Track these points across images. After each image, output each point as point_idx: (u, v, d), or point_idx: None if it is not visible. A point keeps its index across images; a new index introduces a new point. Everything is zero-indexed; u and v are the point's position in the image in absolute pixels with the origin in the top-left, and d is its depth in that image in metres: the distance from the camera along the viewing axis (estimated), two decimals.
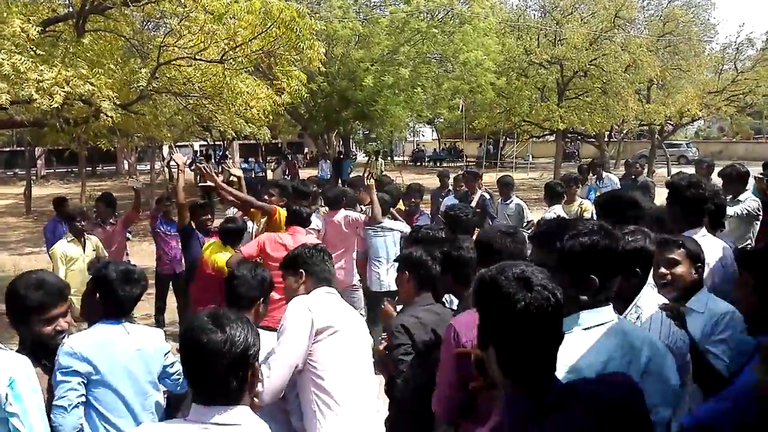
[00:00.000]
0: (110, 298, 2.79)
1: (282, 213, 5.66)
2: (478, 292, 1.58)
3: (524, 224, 7.60)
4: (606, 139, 28.78)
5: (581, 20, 21.96)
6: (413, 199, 7.59)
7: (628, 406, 1.54)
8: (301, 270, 3.02)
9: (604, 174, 10.20)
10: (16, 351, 2.43)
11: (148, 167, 24.30)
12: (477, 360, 1.64)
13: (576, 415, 1.50)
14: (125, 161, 30.62)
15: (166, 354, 2.99)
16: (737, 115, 29.20)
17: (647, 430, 1.60)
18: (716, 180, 6.30)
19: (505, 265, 1.58)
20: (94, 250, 6.40)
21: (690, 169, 11.77)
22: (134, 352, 2.80)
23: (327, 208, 6.69)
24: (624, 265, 2.08)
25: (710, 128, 50.43)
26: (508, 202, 8.00)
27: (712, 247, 3.13)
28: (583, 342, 1.84)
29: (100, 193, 8.33)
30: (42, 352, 2.58)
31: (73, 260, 6.06)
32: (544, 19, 22.88)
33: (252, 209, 6.07)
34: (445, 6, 17.45)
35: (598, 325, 1.87)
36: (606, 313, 1.90)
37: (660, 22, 25.39)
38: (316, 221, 6.04)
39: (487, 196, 8.21)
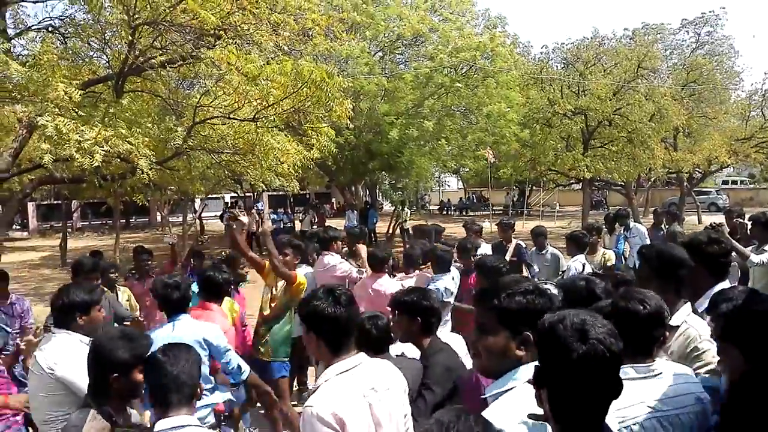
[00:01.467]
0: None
1: (303, 281, 5.43)
2: (539, 336, 1.67)
3: (560, 273, 7.60)
4: (634, 187, 28.58)
5: (604, 71, 22.20)
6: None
7: None
8: (311, 332, 2.45)
9: (632, 224, 10.15)
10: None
11: (181, 219, 24.81)
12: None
13: None
14: (158, 213, 31.31)
15: None
16: (766, 162, 28.87)
17: None
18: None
19: (566, 313, 1.65)
20: (127, 301, 6.55)
21: (721, 217, 11.67)
22: None
23: (369, 269, 5.94)
24: None
25: (740, 175, 49.73)
26: (543, 252, 7.97)
27: None
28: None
29: (134, 245, 8.55)
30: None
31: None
32: (567, 71, 23.18)
33: (263, 271, 5.73)
34: (468, 61, 17.86)
35: None
36: None
37: (684, 71, 25.55)
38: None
39: (523, 245, 8.22)
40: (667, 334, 2.35)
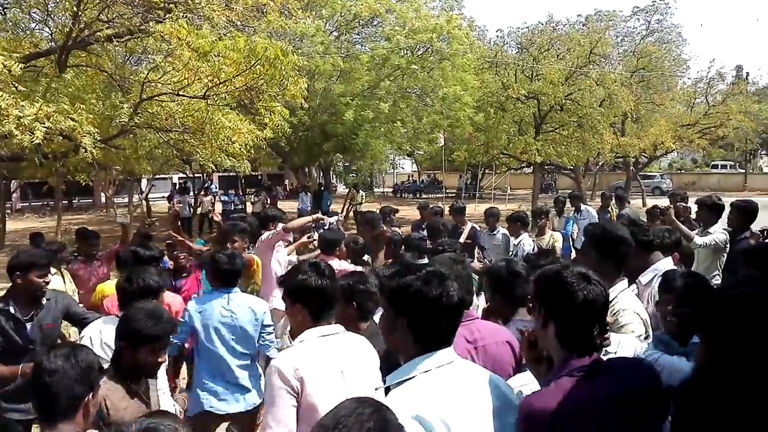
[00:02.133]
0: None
1: (258, 261, 5.47)
2: (544, 285, 2.00)
3: (510, 253, 7.74)
4: (582, 171, 29.27)
5: (557, 56, 22.51)
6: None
7: (648, 384, 1.95)
8: (297, 303, 2.53)
9: (583, 206, 10.41)
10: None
11: (126, 200, 24.07)
12: (529, 339, 2.09)
13: (616, 378, 1.91)
14: (102, 194, 30.28)
15: None
16: (709, 147, 30.01)
17: (663, 404, 1.96)
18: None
19: (565, 263, 2.09)
20: (70, 283, 6.27)
21: (664, 201, 12.08)
22: None
23: (318, 251, 5.89)
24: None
25: (683, 160, 51.61)
26: (495, 232, 8.12)
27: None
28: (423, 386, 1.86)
29: (76, 228, 8.15)
30: (135, 376, 2.79)
31: None
32: (521, 56, 23.41)
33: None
34: (424, 43, 17.77)
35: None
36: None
37: (634, 57, 26.17)
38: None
39: (477, 228, 8.31)
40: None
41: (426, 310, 1.91)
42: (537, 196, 23.81)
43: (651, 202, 20.00)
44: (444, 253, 3.72)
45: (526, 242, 7.51)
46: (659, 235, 4.33)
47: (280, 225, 5.82)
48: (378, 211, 7.95)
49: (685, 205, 7.77)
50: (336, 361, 2.43)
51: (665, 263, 3.98)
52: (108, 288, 5.05)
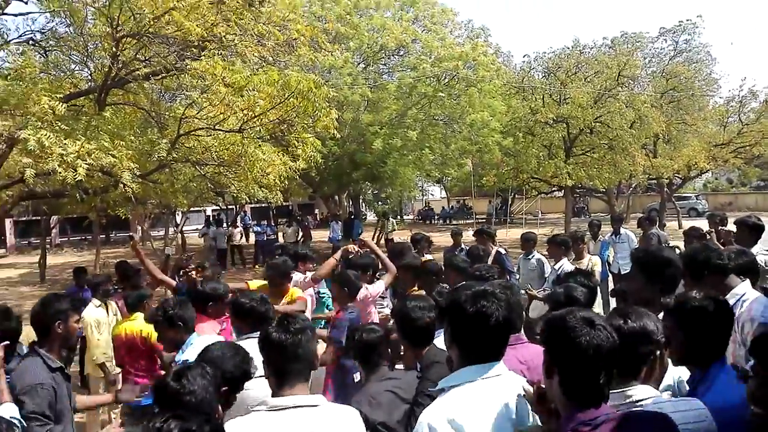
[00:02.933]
0: None
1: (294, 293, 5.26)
2: (548, 330, 1.87)
3: (545, 278, 7.65)
4: (615, 194, 28.89)
5: (585, 79, 22.46)
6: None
7: None
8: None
9: (622, 229, 10.20)
10: None
11: (162, 233, 24.53)
12: (539, 391, 1.92)
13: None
14: (139, 228, 30.94)
15: None
16: (745, 167, 29.37)
17: None
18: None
19: (572, 309, 1.91)
20: (114, 315, 6.39)
21: (701, 222, 11.74)
22: None
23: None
24: None
25: (718, 180, 50.57)
26: (529, 257, 8.05)
27: None
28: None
29: (115, 260, 8.32)
30: None
31: (102, 325, 6.07)
32: (549, 80, 23.42)
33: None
34: (450, 71, 17.95)
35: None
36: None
37: (662, 78, 25.94)
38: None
39: (503, 251, 8.24)
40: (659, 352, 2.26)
41: (467, 325, 2.03)
42: (569, 220, 23.55)
43: (687, 223, 19.62)
44: (493, 280, 3.76)
45: (566, 267, 7.25)
46: (731, 257, 4.02)
47: (309, 274, 5.75)
48: (409, 240, 7.96)
49: (726, 229, 7.52)
50: None
51: (744, 287, 3.50)
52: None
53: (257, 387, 2.64)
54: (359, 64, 19.43)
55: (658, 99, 23.85)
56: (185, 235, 27.16)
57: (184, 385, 2.18)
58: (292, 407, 2.13)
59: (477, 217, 35.71)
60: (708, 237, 5.93)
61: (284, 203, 30.55)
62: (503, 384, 2.01)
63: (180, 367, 2.39)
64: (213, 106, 7.37)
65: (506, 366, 2.09)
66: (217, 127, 7.41)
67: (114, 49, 8.02)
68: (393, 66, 20.36)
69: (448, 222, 37.70)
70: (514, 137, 20.84)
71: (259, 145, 8.33)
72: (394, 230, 22.32)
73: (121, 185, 7.48)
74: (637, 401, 2.10)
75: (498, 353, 2.06)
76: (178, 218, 24.64)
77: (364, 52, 19.27)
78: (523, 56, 40.69)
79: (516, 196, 33.77)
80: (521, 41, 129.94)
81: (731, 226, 6.99)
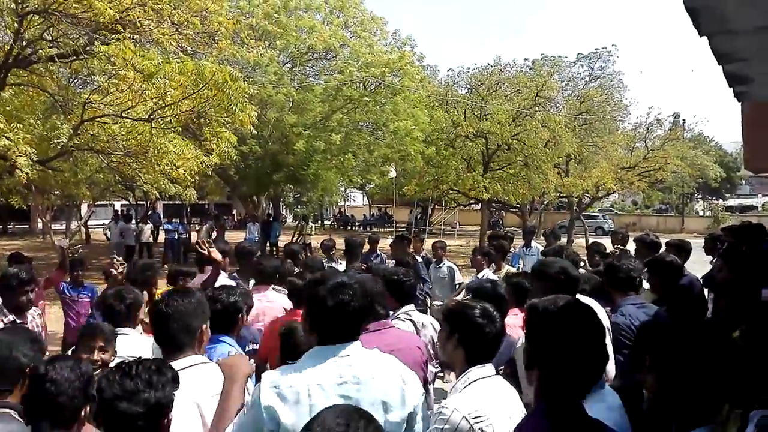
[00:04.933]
0: None
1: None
2: (531, 318, 1.91)
3: (456, 285, 7.81)
4: (528, 210, 29.93)
5: (505, 97, 23.17)
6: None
7: None
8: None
9: (532, 242, 10.54)
10: None
11: (64, 226, 23.15)
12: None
13: None
14: (39, 220, 29.08)
15: None
16: (648, 190, 31.22)
17: None
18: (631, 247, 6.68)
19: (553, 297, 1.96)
20: None
21: (606, 240, 12.34)
22: None
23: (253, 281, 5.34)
24: None
25: (624, 201, 53.55)
26: (440, 265, 8.16)
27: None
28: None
29: (10, 253, 7.67)
30: None
31: None
32: (471, 95, 24.00)
33: None
34: (377, 77, 18.02)
35: None
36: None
37: (577, 101, 27.20)
38: None
39: (420, 260, 8.31)
40: None
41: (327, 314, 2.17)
42: (485, 233, 24.14)
43: (593, 239, 20.59)
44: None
45: (489, 276, 7.43)
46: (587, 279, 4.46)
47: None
48: (320, 245, 7.91)
49: (621, 247, 7.91)
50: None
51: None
52: None
53: None
54: (285, 63, 19.16)
55: (572, 121, 24.94)
56: (90, 230, 25.78)
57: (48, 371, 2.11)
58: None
59: (397, 225, 36.05)
60: (612, 254, 6.22)
61: (199, 201, 29.72)
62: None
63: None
64: (121, 93, 7.00)
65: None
66: (124, 115, 7.03)
67: (17, 26, 7.48)
68: (320, 69, 20.18)
69: (368, 229, 37.79)
70: (436, 147, 21.17)
71: (171, 138, 7.99)
72: (311, 234, 22.12)
73: (18, 171, 6.97)
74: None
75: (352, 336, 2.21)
76: (83, 212, 23.36)
77: (291, 53, 19.02)
78: (448, 70, 41.60)
79: (435, 206, 34.34)
80: (447, 56, 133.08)
81: (631, 244, 7.41)
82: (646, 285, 5.38)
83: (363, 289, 2.23)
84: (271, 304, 4.76)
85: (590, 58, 29.84)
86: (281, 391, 2.04)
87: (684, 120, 36.30)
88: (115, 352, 3.09)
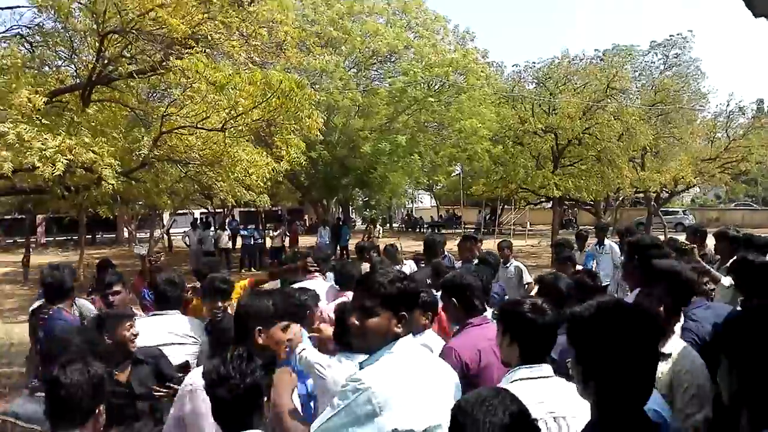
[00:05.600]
0: None
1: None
2: (576, 327, 1.74)
3: (524, 285, 7.72)
4: (603, 207, 29.01)
5: (574, 91, 22.56)
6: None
7: None
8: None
9: (606, 241, 10.17)
10: None
11: (148, 235, 24.35)
12: None
13: None
14: (125, 229, 30.74)
15: None
16: (732, 182, 29.56)
17: None
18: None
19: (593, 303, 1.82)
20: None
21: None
22: None
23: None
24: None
25: (706, 195, 50.93)
26: (507, 265, 8.06)
27: None
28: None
29: (98, 260, 8.17)
30: None
31: None
32: (538, 89, 23.53)
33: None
34: (441, 77, 18.00)
35: None
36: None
37: (652, 92, 26.10)
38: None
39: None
40: None
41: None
42: (557, 232, 23.59)
43: (670, 237, 19.71)
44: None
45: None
46: None
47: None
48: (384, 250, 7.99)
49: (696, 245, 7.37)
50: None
51: None
52: None
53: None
54: (351, 68, 19.47)
55: (646, 112, 23.98)
56: (172, 237, 27.01)
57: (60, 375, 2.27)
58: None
59: (466, 226, 35.78)
60: (692, 253, 5.85)
61: (273, 207, 30.54)
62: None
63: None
64: (195, 104, 7.33)
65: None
66: (199, 126, 7.37)
67: (99, 45, 7.98)
68: (385, 71, 20.38)
69: (436, 230, 37.71)
70: (503, 145, 20.89)
71: (243, 146, 8.29)
72: (379, 237, 22.30)
73: (104, 182, 7.41)
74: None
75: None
76: (165, 220, 24.51)
77: (356, 57, 19.30)
78: (513, 65, 40.93)
79: (505, 206, 33.84)
80: (514, 52, 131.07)
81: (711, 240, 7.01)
82: (726, 281, 5.11)
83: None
84: None
85: (665, 46, 28.47)
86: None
87: None
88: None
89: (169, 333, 4.03)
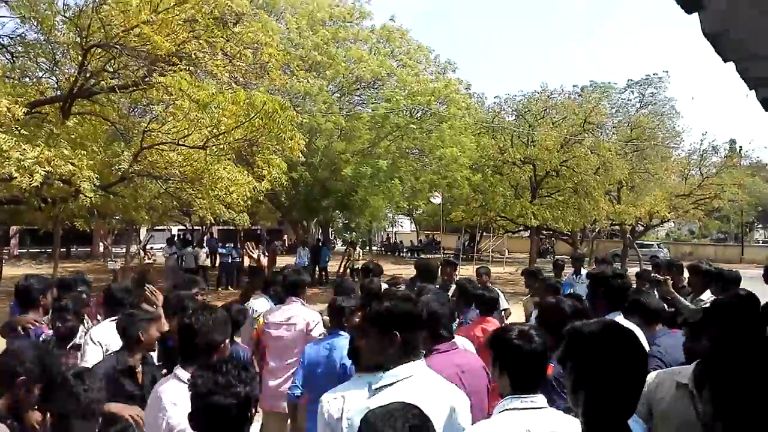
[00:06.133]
0: None
1: None
2: (571, 341, 1.86)
3: (501, 312, 7.78)
4: (579, 237, 29.39)
5: (553, 124, 23.02)
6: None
7: None
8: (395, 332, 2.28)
9: (582, 269, 10.36)
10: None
11: (124, 250, 24.09)
12: None
13: None
14: (101, 243, 30.36)
15: None
16: (705, 219, 30.17)
17: None
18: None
19: (590, 321, 1.93)
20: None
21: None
22: None
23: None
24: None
25: (680, 230, 51.83)
26: None
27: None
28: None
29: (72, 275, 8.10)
30: None
31: None
32: (518, 121, 23.95)
33: None
34: (423, 105, 18.28)
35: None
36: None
37: (628, 128, 26.72)
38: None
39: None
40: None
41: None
42: (534, 260, 23.83)
43: (644, 268, 20.01)
44: None
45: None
46: None
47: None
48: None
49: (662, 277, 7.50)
50: None
51: None
52: None
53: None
54: (334, 93, 19.65)
55: (622, 147, 24.52)
56: (149, 253, 26.69)
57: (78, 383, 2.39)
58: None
59: (445, 252, 35.93)
60: (665, 283, 6.04)
61: (252, 227, 30.42)
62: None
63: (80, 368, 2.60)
64: (177, 121, 7.40)
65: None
66: (180, 142, 7.42)
67: (81, 59, 8.03)
68: (368, 97, 20.61)
69: (415, 255, 37.78)
70: (483, 174, 21.17)
71: (225, 165, 8.35)
72: (359, 259, 22.32)
73: (81, 195, 7.40)
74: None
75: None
76: (142, 236, 24.29)
77: (340, 82, 19.51)
78: (495, 97, 41.65)
79: (483, 233, 34.11)
80: (494, 85, 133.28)
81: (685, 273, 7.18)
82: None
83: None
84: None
85: (641, 84, 29.30)
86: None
87: (741, 147, 35.10)
88: None
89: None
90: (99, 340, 3.96)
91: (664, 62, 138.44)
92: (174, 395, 2.45)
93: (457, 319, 5.84)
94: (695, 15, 2.01)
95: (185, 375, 2.40)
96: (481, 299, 5.66)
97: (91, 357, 3.80)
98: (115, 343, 3.68)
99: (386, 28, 20.35)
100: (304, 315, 4.80)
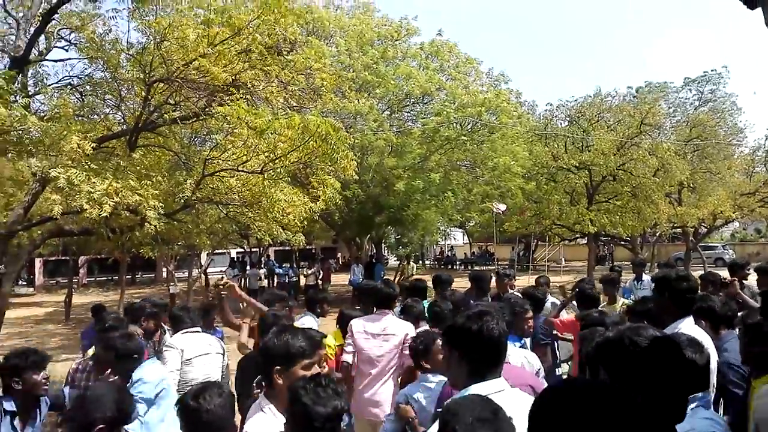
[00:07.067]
0: None
1: None
2: (605, 349, 1.90)
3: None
4: (639, 242, 28.52)
5: (608, 127, 22.53)
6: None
7: None
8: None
9: (644, 275, 10.09)
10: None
11: (186, 274, 24.83)
12: None
13: None
14: (164, 268, 31.39)
15: None
16: None
17: None
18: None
19: (625, 328, 1.97)
20: None
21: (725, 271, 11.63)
22: None
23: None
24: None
25: (746, 230, 49.55)
26: (546, 301, 8.02)
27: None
28: None
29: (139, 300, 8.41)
30: None
31: None
32: (571, 127, 23.54)
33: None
34: (473, 117, 18.21)
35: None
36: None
37: (687, 127, 25.86)
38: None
39: (519, 296, 8.21)
40: None
41: (471, 343, 2.19)
42: (593, 268, 23.25)
43: (708, 271, 19.21)
44: None
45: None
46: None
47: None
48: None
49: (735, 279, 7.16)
50: None
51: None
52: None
53: None
54: (384, 110, 19.81)
55: (682, 147, 23.74)
56: (209, 276, 27.44)
57: (200, 404, 2.41)
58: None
59: (499, 263, 35.50)
60: (732, 284, 5.84)
61: (307, 246, 30.89)
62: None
63: (198, 386, 2.59)
64: (236, 148, 7.62)
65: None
66: (240, 169, 7.64)
67: (145, 94, 8.40)
68: (417, 112, 20.70)
69: (469, 267, 37.46)
70: (536, 182, 20.88)
71: (281, 187, 8.55)
72: (413, 274, 22.30)
73: (147, 224, 7.69)
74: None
75: (497, 369, 2.22)
76: (203, 260, 24.98)
77: (390, 100, 19.66)
78: (546, 104, 41.04)
79: (539, 242, 33.54)
80: (546, 92, 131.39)
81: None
82: None
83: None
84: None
85: (699, 82, 28.27)
86: None
87: None
88: None
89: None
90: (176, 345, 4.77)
91: (723, 58, 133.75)
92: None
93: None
94: (758, 11, 1.95)
95: (269, 406, 2.47)
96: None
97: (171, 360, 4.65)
98: (189, 349, 4.69)
99: (434, 43, 20.45)
100: (400, 326, 4.95)
